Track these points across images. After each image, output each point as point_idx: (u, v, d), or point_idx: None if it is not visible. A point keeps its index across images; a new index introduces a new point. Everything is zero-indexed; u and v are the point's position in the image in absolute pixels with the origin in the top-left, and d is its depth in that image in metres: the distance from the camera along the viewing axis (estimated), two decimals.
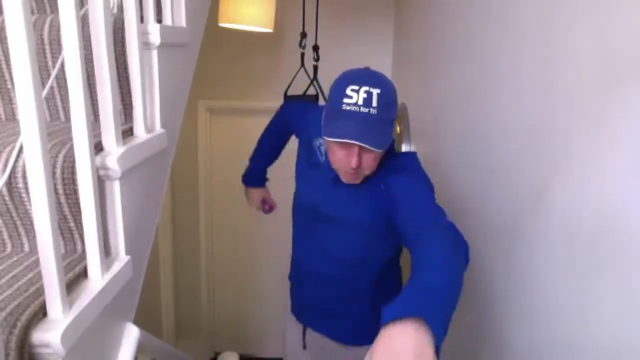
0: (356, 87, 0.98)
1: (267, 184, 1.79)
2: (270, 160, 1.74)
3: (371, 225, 1.16)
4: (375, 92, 0.98)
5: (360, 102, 0.98)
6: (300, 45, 2.15)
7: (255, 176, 1.76)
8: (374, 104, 0.98)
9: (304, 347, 1.47)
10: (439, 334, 0.60)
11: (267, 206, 1.78)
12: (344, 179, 1.13)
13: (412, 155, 1.21)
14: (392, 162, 1.15)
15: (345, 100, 0.99)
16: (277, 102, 2.34)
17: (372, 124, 0.98)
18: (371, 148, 0.99)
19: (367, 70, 1.07)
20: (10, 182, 0.78)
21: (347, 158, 1.05)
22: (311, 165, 1.28)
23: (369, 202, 1.15)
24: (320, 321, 1.40)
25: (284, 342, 1.57)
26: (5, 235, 0.85)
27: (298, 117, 1.49)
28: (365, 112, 0.98)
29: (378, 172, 1.13)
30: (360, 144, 0.99)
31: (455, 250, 0.83)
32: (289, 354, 1.55)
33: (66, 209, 0.80)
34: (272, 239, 2.82)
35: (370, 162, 1.07)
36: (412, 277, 0.75)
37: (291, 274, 1.47)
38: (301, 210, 1.34)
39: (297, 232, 1.39)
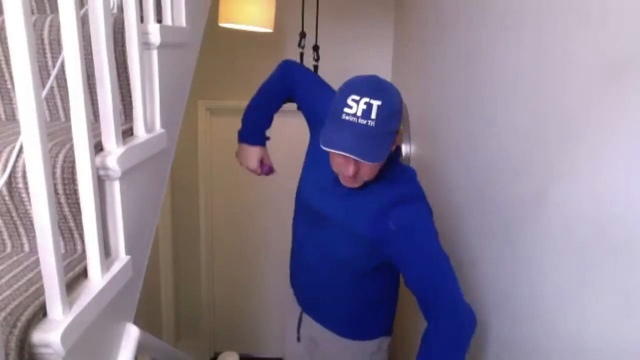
0: (357, 98, 0.98)
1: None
2: (270, 120, 1.56)
3: (365, 240, 1.17)
4: (376, 103, 0.98)
5: (359, 113, 0.98)
6: (300, 45, 2.15)
7: (255, 133, 1.56)
8: (373, 116, 0.97)
9: (298, 339, 1.50)
10: None
11: (267, 167, 1.57)
12: (343, 182, 1.13)
13: (414, 177, 1.21)
14: (395, 175, 1.15)
15: (345, 109, 0.99)
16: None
17: (369, 136, 0.98)
18: (362, 161, 1.00)
19: (373, 78, 1.06)
20: (10, 182, 0.78)
21: (344, 165, 1.06)
22: (318, 159, 1.26)
23: (368, 218, 1.15)
24: (314, 307, 1.43)
25: (282, 333, 1.59)
26: (5, 235, 0.85)
27: (310, 94, 1.43)
28: (363, 124, 0.98)
29: (380, 181, 1.13)
30: (354, 157, 0.99)
31: (457, 344, 1.00)
32: (287, 343, 1.58)
33: (66, 209, 0.80)
34: (272, 239, 2.82)
35: (367, 171, 1.08)
36: None
37: (291, 256, 1.48)
38: (300, 202, 1.36)
39: (296, 217, 1.40)
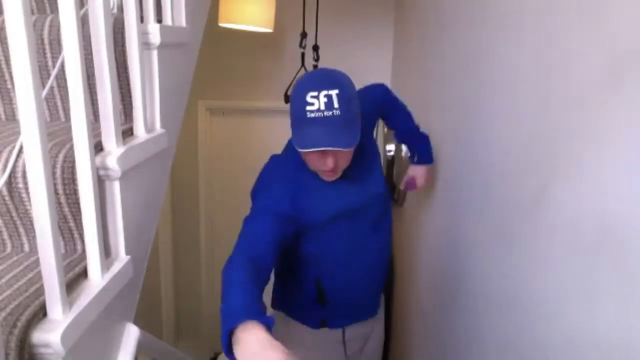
0: (315, 93, 1.00)
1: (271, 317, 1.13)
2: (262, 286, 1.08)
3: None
4: (334, 93, 1.00)
5: (323, 106, 1.00)
6: (300, 45, 2.15)
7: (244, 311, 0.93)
8: (336, 105, 1.00)
9: (346, 354, 1.42)
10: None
11: None
12: (324, 177, 1.16)
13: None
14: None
15: (308, 107, 1.01)
16: (277, 102, 2.35)
17: (339, 124, 1.01)
18: (344, 150, 1.04)
19: (321, 72, 1.10)
20: (10, 182, 0.78)
21: (322, 160, 1.07)
22: (314, 190, 1.20)
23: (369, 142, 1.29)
24: (363, 309, 1.42)
25: None
26: (5, 235, 0.85)
27: (277, 204, 1.16)
28: (330, 115, 1.00)
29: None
30: (333, 148, 1.01)
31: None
32: None
33: (66, 209, 0.80)
34: None
35: (346, 157, 1.11)
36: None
37: (317, 293, 1.31)
38: (336, 220, 1.22)
39: (331, 242, 1.25)
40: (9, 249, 0.85)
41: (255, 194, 1.22)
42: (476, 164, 1.19)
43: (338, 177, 1.18)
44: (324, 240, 1.25)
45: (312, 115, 1.00)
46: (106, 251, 0.81)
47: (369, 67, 2.56)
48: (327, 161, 1.06)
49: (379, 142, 2.21)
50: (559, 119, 0.79)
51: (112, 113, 0.78)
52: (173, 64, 1.06)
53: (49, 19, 0.98)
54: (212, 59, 2.49)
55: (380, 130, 2.19)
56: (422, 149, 1.50)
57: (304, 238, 1.22)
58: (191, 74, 1.22)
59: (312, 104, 1.00)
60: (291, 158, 1.21)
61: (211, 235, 2.89)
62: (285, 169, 1.22)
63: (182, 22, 1.09)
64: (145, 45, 0.92)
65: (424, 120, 1.57)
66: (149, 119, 0.96)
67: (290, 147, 1.26)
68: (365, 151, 1.26)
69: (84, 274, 0.76)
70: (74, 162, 0.73)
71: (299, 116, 1.03)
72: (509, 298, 0.99)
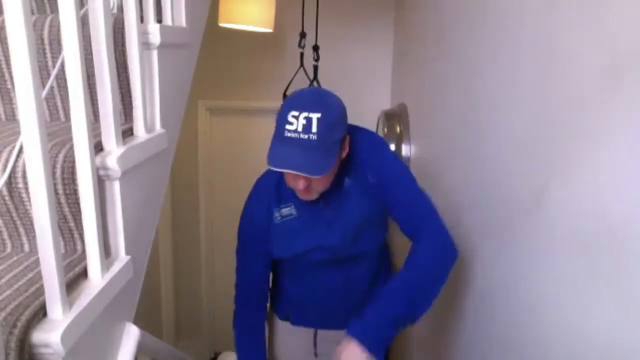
0: (296, 113, 1.00)
1: None
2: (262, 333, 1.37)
3: (371, 216, 1.22)
4: (315, 116, 0.99)
5: (300, 128, 0.99)
6: (300, 45, 2.15)
7: None
8: (314, 129, 0.98)
9: (316, 355, 1.45)
10: (378, 352, 1.01)
11: None
12: (300, 196, 1.14)
13: (373, 137, 1.23)
14: (356, 155, 1.17)
15: (287, 126, 1.00)
16: (277, 102, 2.33)
17: (312, 150, 0.99)
18: (310, 176, 1.02)
19: (311, 91, 1.09)
20: (10, 182, 0.78)
21: (295, 180, 1.06)
22: (287, 221, 1.24)
23: (361, 198, 1.19)
24: (337, 320, 1.39)
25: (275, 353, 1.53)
26: (5, 235, 0.85)
27: (252, 236, 1.28)
28: (305, 139, 0.99)
29: (352, 168, 1.17)
30: (297, 173, 1.00)
31: (436, 259, 1.11)
32: None
33: (66, 209, 0.80)
34: None
35: (321, 182, 1.08)
36: (390, 282, 1.11)
37: (284, 291, 1.42)
38: (308, 261, 1.28)
39: (296, 269, 1.34)
40: (9, 249, 0.85)
41: (241, 216, 1.30)
42: (476, 164, 1.19)
43: (312, 209, 1.18)
44: (289, 262, 1.32)
45: (289, 134, 1.00)
46: (106, 251, 0.81)
47: (369, 67, 2.57)
48: (299, 182, 1.05)
49: None
50: (559, 119, 0.79)
51: (112, 113, 0.78)
52: (173, 64, 1.06)
53: (49, 19, 0.98)
54: (212, 59, 2.49)
55: (381, 130, 2.19)
56: (384, 307, 1.08)
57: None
58: (191, 74, 1.22)
59: (292, 124, 1.00)
60: (269, 180, 1.25)
61: (211, 235, 2.89)
62: (260, 194, 1.26)
63: (182, 22, 1.09)
64: (145, 45, 0.92)
65: (423, 119, 1.57)
66: (149, 119, 0.96)
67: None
68: (350, 198, 1.19)
69: (84, 274, 0.76)
70: (74, 162, 0.73)
71: (277, 133, 1.03)
72: (509, 298, 0.99)
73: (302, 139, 0.99)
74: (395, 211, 1.18)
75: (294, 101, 1.03)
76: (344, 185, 1.19)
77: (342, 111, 1.07)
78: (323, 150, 1.01)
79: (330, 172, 1.07)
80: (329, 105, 1.03)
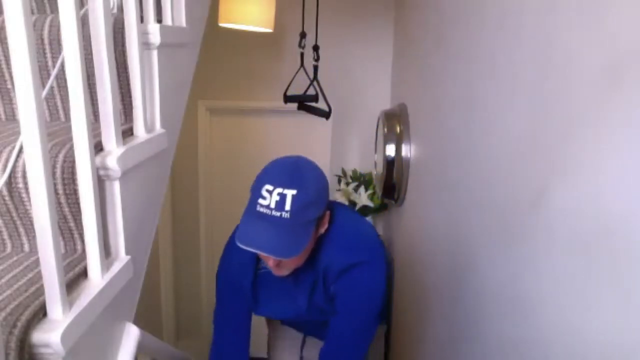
0: (271, 188, 0.94)
1: None
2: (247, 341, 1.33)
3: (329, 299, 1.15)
4: (290, 193, 0.93)
5: (273, 205, 0.93)
6: (300, 45, 2.15)
7: None
8: (287, 207, 0.92)
9: (301, 355, 1.47)
10: None
11: None
12: (273, 272, 1.07)
13: (366, 238, 1.12)
14: (341, 240, 1.08)
15: (260, 200, 0.95)
16: (277, 102, 2.35)
17: (283, 228, 0.93)
18: (277, 258, 0.96)
19: (290, 164, 1.00)
20: (10, 182, 0.78)
21: (265, 257, 1.02)
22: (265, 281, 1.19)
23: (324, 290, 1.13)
24: (316, 332, 1.41)
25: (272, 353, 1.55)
26: (5, 235, 0.85)
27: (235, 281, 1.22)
28: (277, 217, 0.93)
29: (332, 255, 1.08)
30: (265, 254, 0.95)
31: None
32: None
33: (66, 209, 0.80)
34: None
35: (290, 262, 1.02)
36: None
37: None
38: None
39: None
40: (9, 249, 0.85)
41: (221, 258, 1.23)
42: (476, 164, 1.19)
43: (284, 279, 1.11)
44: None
45: (261, 210, 0.94)
46: (106, 251, 0.81)
47: (368, 67, 2.57)
48: (269, 260, 1.01)
49: (379, 142, 2.22)
50: (559, 119, 0.79)
51: (112, 113, 0.78)
52: (173, 64, 1.06)
53: (49, 19, 0.98)
54: (212, 59, 2.49)
55: (381, 130, 2.19)
56: None
57: None
58: (191, 74, 1.22)
59: (265, 199, 0.94)
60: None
61: (211, 235, 2.89)
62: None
63: (182, 22, 1.09)
64: (145, 45, 0.92)
65: (423, 119, 1.57)
66: (149, 119, 0.96)
67: None
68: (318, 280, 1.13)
69: (84, 274, 0.76)
70: (74, 162, 0.73)
71: (249, 207, 0.98)
72: (509, 298, 0.99)
73: (274, 216, 0.93)
74: (333, 320, 1.12)
75: (270, 174, 0.98)
76: (318, 262, 1.09)
77: (320, 188, 0.99)
78: (295, 229, 0.94)
79: (303, 252, 1.00)
80: (306, 182, 0.96)
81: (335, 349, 1.12)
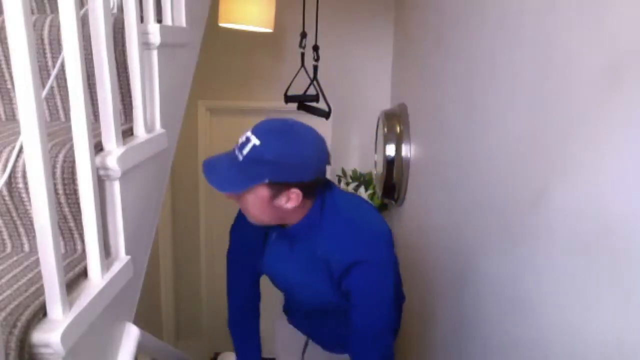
0: (248, 133, 0.98)
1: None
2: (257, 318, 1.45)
3: (332, 291, 1.15)
4: (256, 142, 0.94)
5: (238, 144, 0.98)
6: (300, 45, 2.15)
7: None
8: (245, 151, 0.95)
9: (303, 357, 1.50)
10: None
11: None
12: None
13: (379, 237, 1.11)
14: (350, 233, 1.08)
15: (238, 139, 1.00)
16: (277, 102, 2.35)
17: (233, 167, 0.97)
18: (212, 186, 0.98)
19: (283, 122, 1.01)
20: (10, 182, 0.78)
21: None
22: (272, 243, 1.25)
23: (328, 275, 1.12)
24: (321, 339, 1.44)
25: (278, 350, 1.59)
26: (5, 235, 0.85)
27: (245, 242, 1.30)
28: (234, 155, 0.98)
29: (331, 246, 1.08)
30: (205, 177, 0.99)
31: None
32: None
33: (66, 209, 0.80)
34: None
35: (245, 208, 1.05)
36: None
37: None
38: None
39: None
40: (9, 249, 0.85)
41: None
42: (476, 164, 1.19)
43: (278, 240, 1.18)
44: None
45: (233, 145, 1.00)
46: (106, 251, 0.81)
47: (368, 67, 2.57)
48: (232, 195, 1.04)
49: (379, 142, 2.22)
50: (559, 119, 0.79)
51: (112, 113, 0.78)
52: (173, 64, 1.06)
53: (49, 19, 0.98)
54: (212, 59, 2.49)
55: (381, 130, 2.19)
56: None
57: None
58: (191, 74, 1.22)
59: (241, 138, 0.99)
60: None
61: (211, 235, 2.89)
62: None
63: (182, 22, 1.09)
64: (145, 45, 0.92)
65: (423, 119, 1.57)
66: (149, 119, 0.96)
67: None
68: (294, 252, 1.16)
69: (84, 274, 0.76)
70: (74, 162, 0.73)
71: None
72: (509, 298, 0.99)
73: (232, 153, 0.99)
74: (351, 311, 1.12)
75: (264, 121, 1.01)
76: (315, 244, 1.11)
77: (288, 162, 0.97)
78: (241, 173, 0.97)
79: (262, 214, 1.03)
80: (278, 144, 0.96)
81: (360, 340, 1.14)
